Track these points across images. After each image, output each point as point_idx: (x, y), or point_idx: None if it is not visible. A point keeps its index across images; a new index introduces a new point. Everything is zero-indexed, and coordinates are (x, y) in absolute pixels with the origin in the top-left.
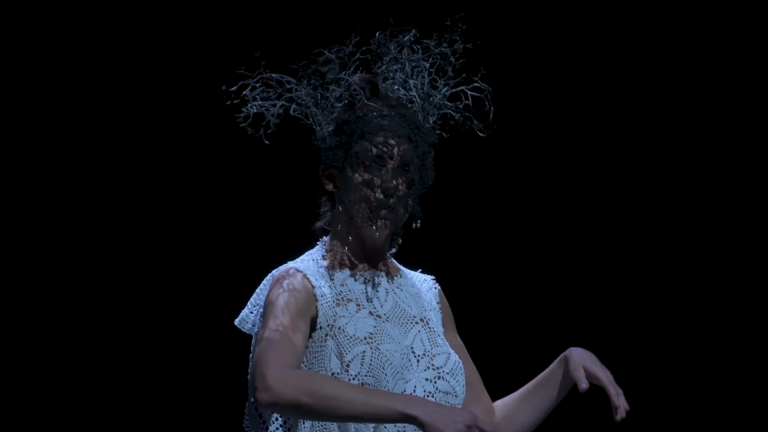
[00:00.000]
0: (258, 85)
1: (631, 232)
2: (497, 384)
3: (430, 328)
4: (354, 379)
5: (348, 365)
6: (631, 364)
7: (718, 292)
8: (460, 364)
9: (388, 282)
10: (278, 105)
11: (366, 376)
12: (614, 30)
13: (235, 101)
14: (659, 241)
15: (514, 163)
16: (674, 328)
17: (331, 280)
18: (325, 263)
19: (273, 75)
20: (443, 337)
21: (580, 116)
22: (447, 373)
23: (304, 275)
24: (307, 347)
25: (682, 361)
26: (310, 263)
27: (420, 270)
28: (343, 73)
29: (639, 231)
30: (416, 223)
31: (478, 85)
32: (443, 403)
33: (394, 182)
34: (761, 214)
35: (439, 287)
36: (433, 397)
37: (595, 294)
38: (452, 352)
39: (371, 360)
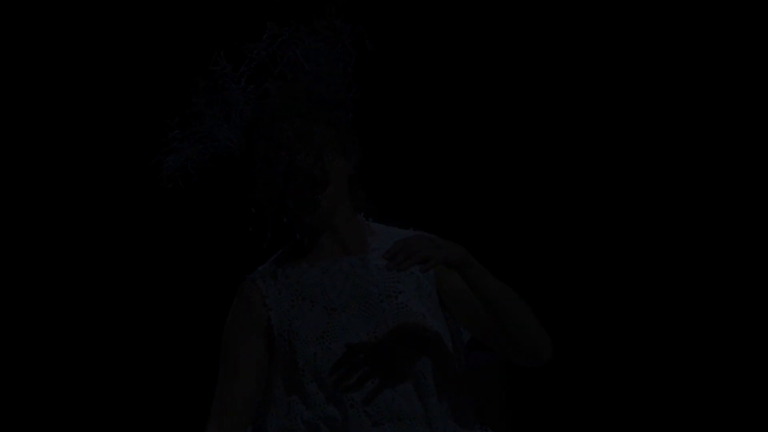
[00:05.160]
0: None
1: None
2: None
3: (397, 304)
4: (310, 383)
5: (303, 371)
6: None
7: (717, 291)
8: (430, 334)
9: (349, 265)
10: (199, 149)
11: (321, 379)
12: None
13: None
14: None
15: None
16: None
17: (289, 277)
18: (287, 259)
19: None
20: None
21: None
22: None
23: (257, 286)
24: (273, 357)
25: (681, 361)
26: (273, 262)
27: (412, 228)
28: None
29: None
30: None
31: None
32: None
33: (282, 166)
34: (761, 213)
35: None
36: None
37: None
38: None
39: (322, 361)
